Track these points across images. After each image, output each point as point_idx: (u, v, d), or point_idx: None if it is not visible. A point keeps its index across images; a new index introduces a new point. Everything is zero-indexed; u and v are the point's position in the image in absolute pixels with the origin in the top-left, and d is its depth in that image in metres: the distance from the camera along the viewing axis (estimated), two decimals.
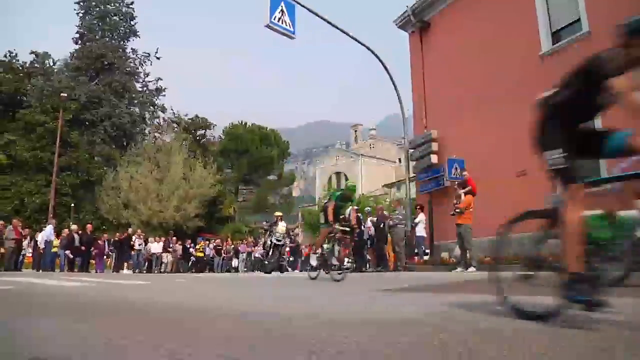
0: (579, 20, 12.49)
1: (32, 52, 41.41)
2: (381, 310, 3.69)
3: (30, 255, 21.41)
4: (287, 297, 5.50)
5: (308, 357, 1.87)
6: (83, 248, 20.45)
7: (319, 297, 5.38)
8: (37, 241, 20.24)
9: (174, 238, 25.72)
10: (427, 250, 15.74)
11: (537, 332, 2.30)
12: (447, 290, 5.32)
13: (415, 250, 15.35)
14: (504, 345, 1.96)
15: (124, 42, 43.44)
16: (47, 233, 19.80)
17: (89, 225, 23.13)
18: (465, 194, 11.43)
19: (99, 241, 21.86)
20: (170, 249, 23.91)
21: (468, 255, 11.02)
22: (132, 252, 22.23)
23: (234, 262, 26.56)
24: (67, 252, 19.91)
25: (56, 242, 20.21)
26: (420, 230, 15.14)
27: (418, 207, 15.92)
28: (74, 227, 21.82)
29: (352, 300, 4.81)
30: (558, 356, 1.82)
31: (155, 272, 22.85)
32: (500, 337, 2.17)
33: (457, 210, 11.19)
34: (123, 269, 21.34)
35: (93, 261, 21.88)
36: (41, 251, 19.72)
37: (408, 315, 3.14)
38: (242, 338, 2.37)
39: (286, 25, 14.07)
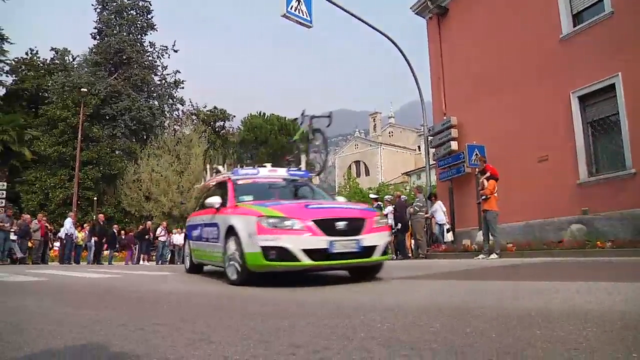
0: (601, 0, 12.20)
1: (52, 49, 41.99)
2: (412, 298, 3.72)
3: (57, 248, 21.81)
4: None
5: (342, 342, 1.91)
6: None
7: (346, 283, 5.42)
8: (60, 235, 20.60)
9: None
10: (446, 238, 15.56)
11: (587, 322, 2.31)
12: (473, 277, 5.32)
13: (436, 238, 15.24)
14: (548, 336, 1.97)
15: (141, 36, 43.68)
16: (67, 227, 20.08)
17: (100, 216, 23.33)
18: (487, 179, 11.28)
19: (128, 233, 22.31)
20: None
21: (492, 242, 10.91)
22: (156, 244, 22.52)
23: None
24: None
25: (80, 235, 20.56)
26: (441, 218, 15.07)
27: (432, 197, 15.70)
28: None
29: (382, 289, 4.84)
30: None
31: (178, 263, 23.03)
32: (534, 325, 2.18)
33: (483, 197, 11.08)
34: (140, 261, 21.70)
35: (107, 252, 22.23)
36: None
37: (440, 303, 3.16)
38: (286, 326, 2.42)
39: (303, 14, 14.00)
